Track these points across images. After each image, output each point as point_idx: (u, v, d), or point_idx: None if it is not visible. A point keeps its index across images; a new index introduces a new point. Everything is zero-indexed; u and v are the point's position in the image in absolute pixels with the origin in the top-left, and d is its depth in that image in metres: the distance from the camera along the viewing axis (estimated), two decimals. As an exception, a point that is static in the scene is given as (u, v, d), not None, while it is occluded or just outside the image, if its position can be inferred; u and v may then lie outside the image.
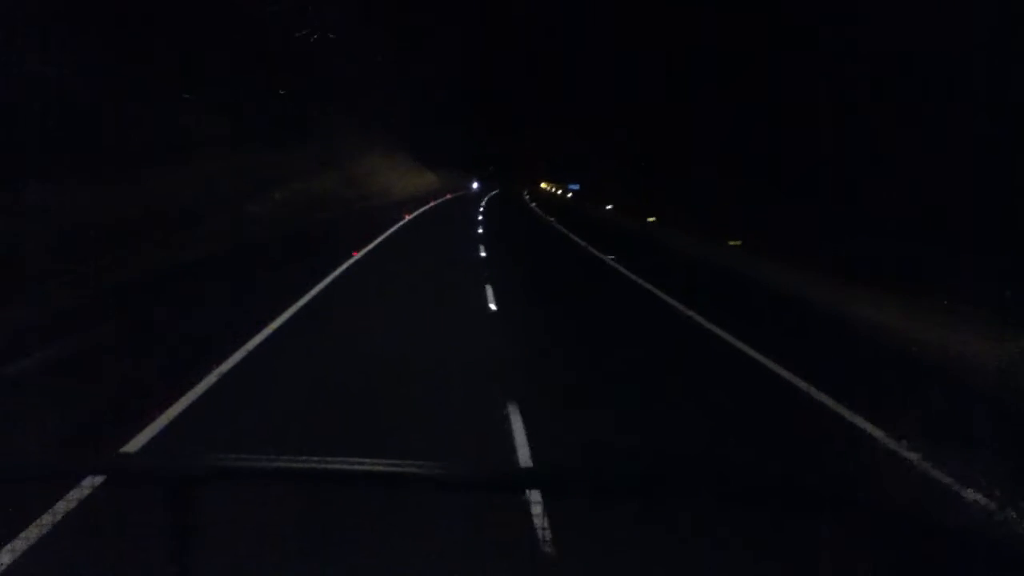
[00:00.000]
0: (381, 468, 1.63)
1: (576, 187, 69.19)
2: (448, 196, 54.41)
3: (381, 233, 22.69)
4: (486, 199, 56.62)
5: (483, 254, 19.71)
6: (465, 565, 3.81)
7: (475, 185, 72.93)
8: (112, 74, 18.34)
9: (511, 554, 3.91)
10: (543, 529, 4.03)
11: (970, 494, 5.06)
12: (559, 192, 72.45)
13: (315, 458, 1.62)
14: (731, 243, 21.80)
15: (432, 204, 42.66)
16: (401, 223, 27.90)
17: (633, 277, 16.30)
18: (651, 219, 31.98)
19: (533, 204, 55.51)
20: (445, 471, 1.69)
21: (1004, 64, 15.18)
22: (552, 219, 36.36)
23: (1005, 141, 15.02)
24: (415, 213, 33.45)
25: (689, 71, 42.76)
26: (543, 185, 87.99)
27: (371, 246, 19.59)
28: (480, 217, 35.61)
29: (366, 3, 46.10)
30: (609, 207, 42.90)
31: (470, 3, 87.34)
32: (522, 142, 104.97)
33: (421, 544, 3.95)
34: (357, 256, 16.88)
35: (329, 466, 1.64)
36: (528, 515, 4.06)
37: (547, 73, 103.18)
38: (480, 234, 26.65)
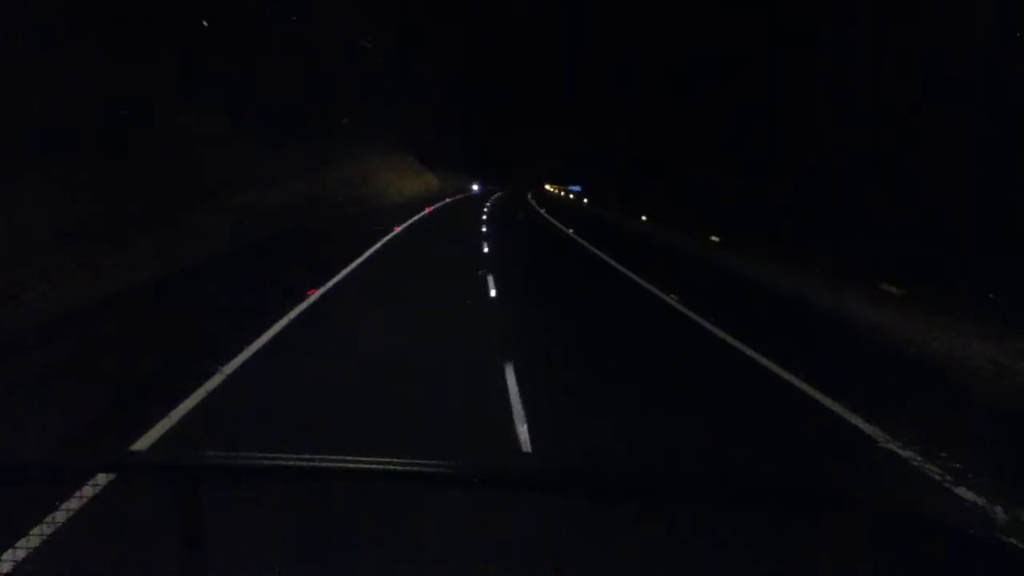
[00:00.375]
0: (381, 467, 1.63)
1: (577, 188, 68.10)
2: (447, 200, 49.97)
3: (359, 255, 16.80)
4: (489, 203, 51.98)
5: (493, 293, 12.98)
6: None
7: (476, 187, 70.38)
8: (112, 74, 18.35)
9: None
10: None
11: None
12: (570, 196, 68.41)
13: (318, 457, 1.63)
14: (886, 288, 14.08)
15: (428, 210, 36.22)
16: (390, 236, 21.84)
17: (776, 370, 8.38)
18: (714, 238, 25.54)
19: (543, 211, 46.17)
20: (445, 470, 1.69)
21: (1004, 64, 15.21)
22: (579, 237, 27.11)
23: (1005, 141, 15.04)
24: (406, 224, 27.13)
25: (689, 71, 42.91)
26: (548, 187, 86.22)
27: (332, 282, 13.00)
28: (484, 228, 28.59)
29: (366, 3, 46.17)
30: (644, 218, 35.41)
31: (470, 3, 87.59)
32: (522, 142, 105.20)
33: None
34: (313, 296, 11.59)
35: (331, 465, 1.65)
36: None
37: (547, 73, 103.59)
38: (487, 255, 19.20)
